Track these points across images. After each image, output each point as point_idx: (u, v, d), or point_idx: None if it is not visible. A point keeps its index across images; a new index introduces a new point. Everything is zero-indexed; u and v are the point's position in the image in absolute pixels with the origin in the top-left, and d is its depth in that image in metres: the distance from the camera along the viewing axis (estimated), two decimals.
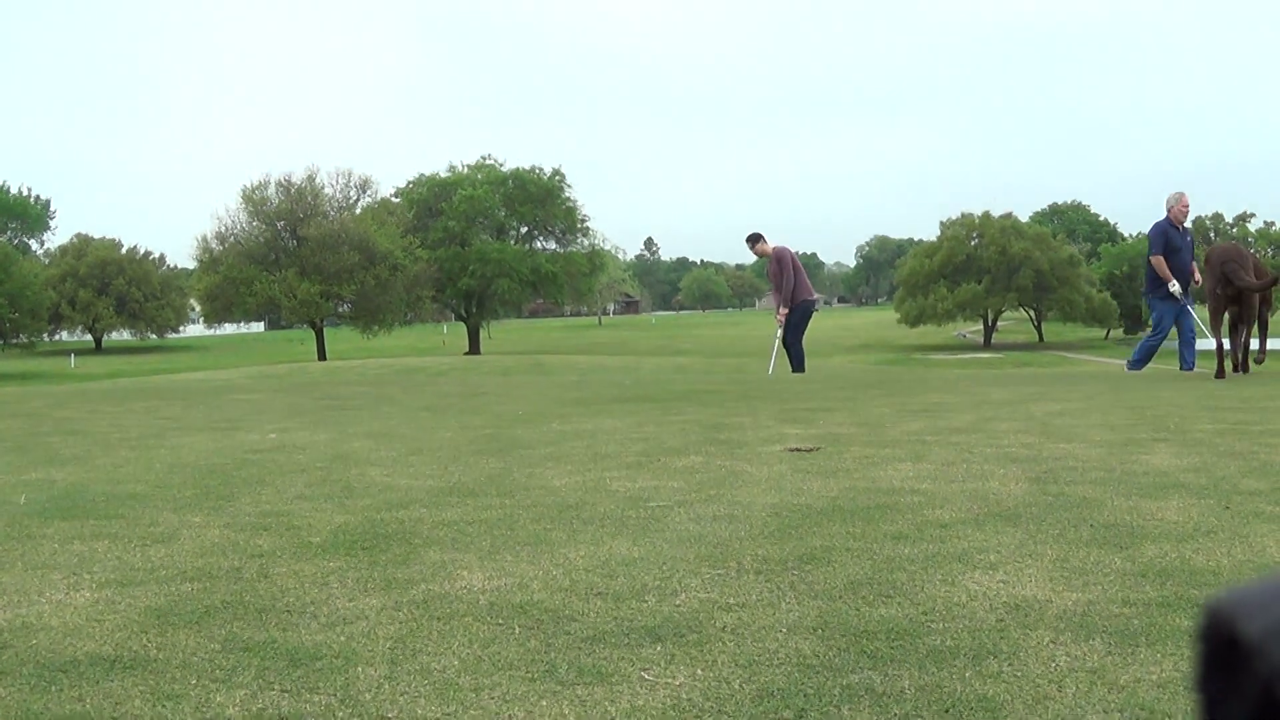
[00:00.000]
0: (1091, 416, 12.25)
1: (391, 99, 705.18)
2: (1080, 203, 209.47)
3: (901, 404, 14.15)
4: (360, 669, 4.78)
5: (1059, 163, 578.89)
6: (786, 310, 23.88)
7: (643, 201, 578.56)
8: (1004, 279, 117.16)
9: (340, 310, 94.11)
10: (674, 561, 6.34)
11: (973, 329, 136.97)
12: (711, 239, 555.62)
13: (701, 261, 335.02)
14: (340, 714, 4.36)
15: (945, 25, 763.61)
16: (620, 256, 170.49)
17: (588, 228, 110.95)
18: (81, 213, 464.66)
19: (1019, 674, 4.54)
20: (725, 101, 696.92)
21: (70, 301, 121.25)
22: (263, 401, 18.01)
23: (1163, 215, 22.77)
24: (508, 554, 6.65)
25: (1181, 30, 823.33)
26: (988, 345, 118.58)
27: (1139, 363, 23.08)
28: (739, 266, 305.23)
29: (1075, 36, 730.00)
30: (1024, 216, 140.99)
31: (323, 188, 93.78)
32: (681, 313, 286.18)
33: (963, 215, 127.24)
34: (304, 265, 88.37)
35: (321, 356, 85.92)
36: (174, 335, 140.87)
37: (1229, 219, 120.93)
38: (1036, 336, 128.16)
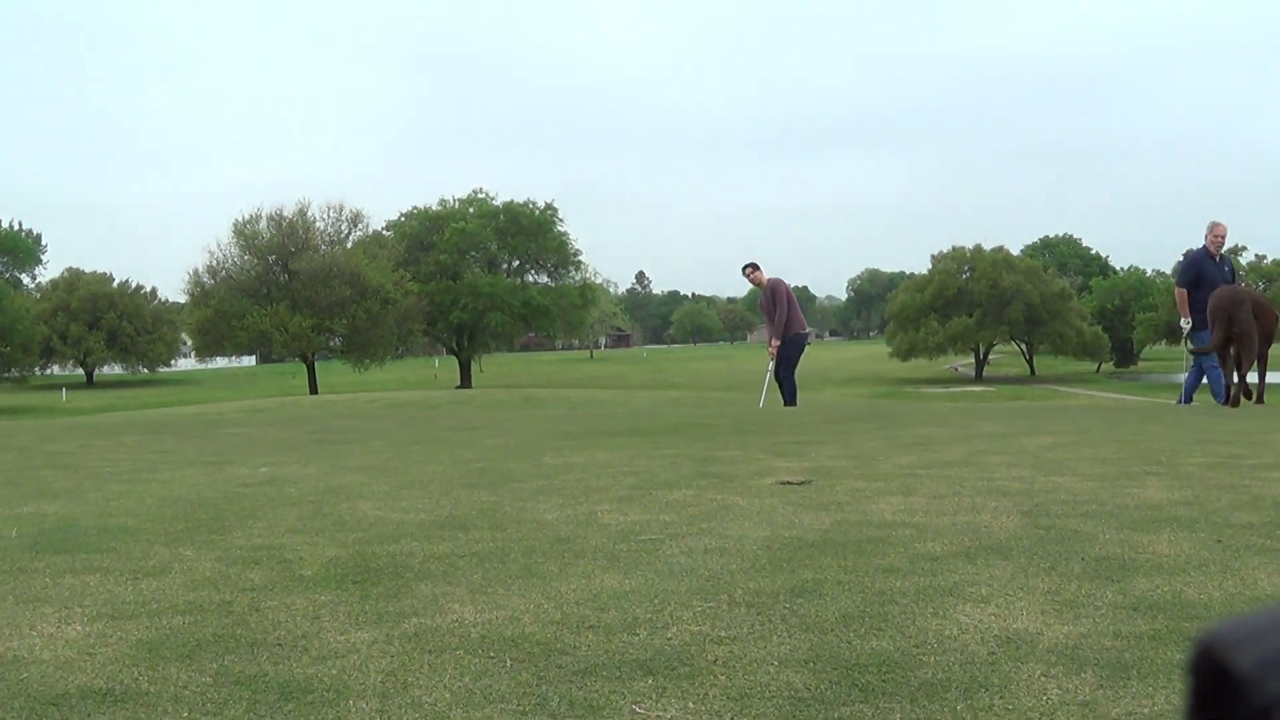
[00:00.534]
0: (1083, 450, 12.25)
1: (383, 134, 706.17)
2: (1072, 236, 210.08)
3: (893, 437, 14.15)
4: (352, 702, 4.77)
5: (1050, 196, 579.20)
6: (778, 342, 23.87)
7: (634, 235, 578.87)
8: (995, 312, 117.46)
9: (332, 344, 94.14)
10: (665, 594, 6.33)
11: (964, 362, 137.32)
12: (703, 272, 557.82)
13: (693, 295, 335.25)
14: None
15: (936, 60, 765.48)
16: (612, 290, 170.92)
17: (580, 261, 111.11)
18: (73, 247, 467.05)
19: (1010, 707, 4.54)
20: (716, 135, 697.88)
21: (61, 336, 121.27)
22: (254, 435, 17.99)
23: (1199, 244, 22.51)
24: (499, 587, 6.65)
25: (1173, 63, 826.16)
26: (979, 378, 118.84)
27: (1218, 394, 22.37)
28: (730, 300, 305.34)
29: (1066, 69, 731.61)
30: (1015, 250, 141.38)
31: (314, 221, 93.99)
32: (673, 346, 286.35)
33: (954, 248, 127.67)
34: (295, 299, 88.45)
35: (313, 390, 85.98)
36: (165, 369, 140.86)
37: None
38: (1028, 370, 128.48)
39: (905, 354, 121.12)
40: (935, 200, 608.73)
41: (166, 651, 5.50)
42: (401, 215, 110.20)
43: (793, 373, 24.02)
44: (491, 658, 5.29)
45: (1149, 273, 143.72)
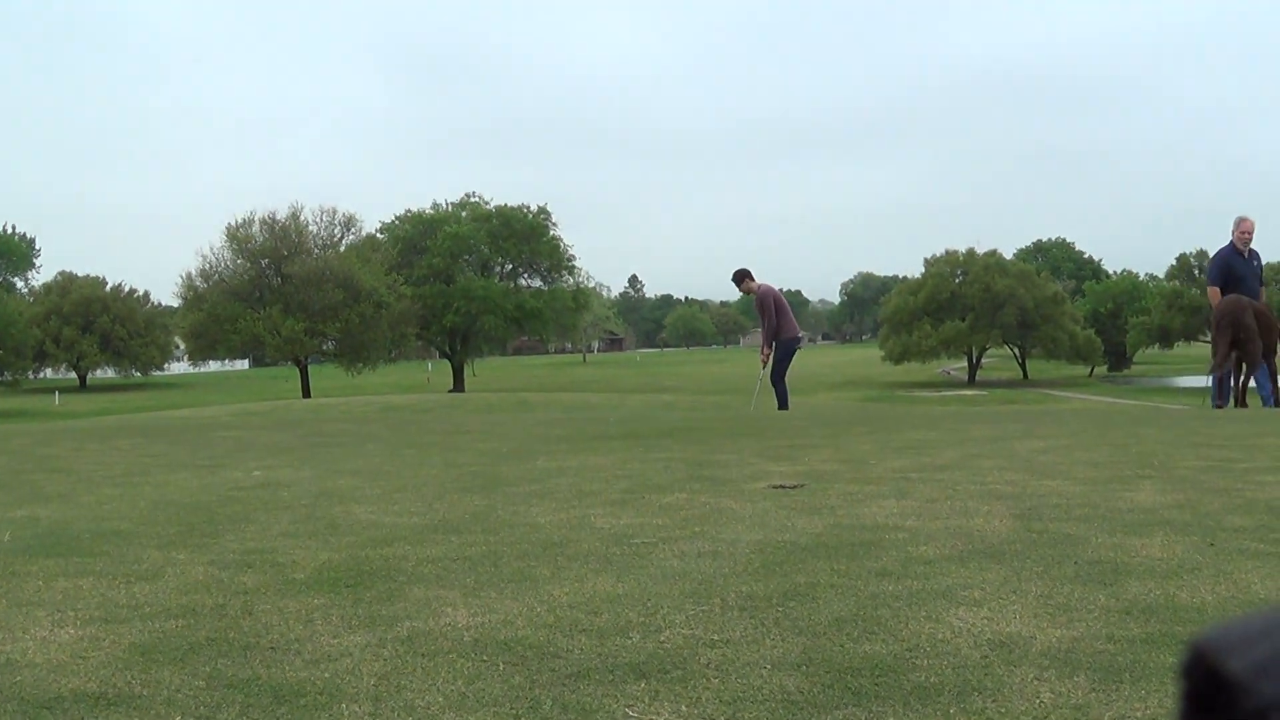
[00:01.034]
0: (1076, 453, 12.25)
1: (376, 139, 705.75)
2: (1065, 239, 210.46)
3: (885, 441, 14.14)
4: (345, 706, 4.77)
5: (1043, 200, 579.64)
6: (769, 350, 23.88)
7: (627, 239, 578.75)
8: (988, 316, 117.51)
9: (325, 348, 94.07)
10: (658, 598, 6.33)
11: (957, 366, 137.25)
12: (696, 276, 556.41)
13: (686, 299, 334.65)
14: None
15: (929, 65, 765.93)
16: (605, 294, 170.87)
17: (573, 265, 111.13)
18: (66, 250, 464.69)
19: (1003, 711, 4.54)
20: (709, 140, 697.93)
21: (54, 339, 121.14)
22: (247, 439, 17.97)
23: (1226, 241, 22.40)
24: (492, 590, 6.64)
25: (1166, 69, 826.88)
26: (972, 382, 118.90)
27: (1267, 399, 22.28)
28: (724, 303, 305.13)
29: (1059, 74, 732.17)
30: (1008, 253, 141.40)
31: (307, 225, 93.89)
32: (666, 350, 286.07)
33: (947, 252, 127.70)
34: (288, 303, 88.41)
35: (306, 394, 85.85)
36: (158, 373, 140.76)
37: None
38: (1021, 373, 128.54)
39: (898, 358, 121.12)
40: (928, 204, 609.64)
41: (159, 655, 5.50)
42: (395, 219, 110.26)
43: (784, 377, 24.01)
44: (484, 661, 5.29)
45: (1142, 276, 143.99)
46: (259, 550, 8.03)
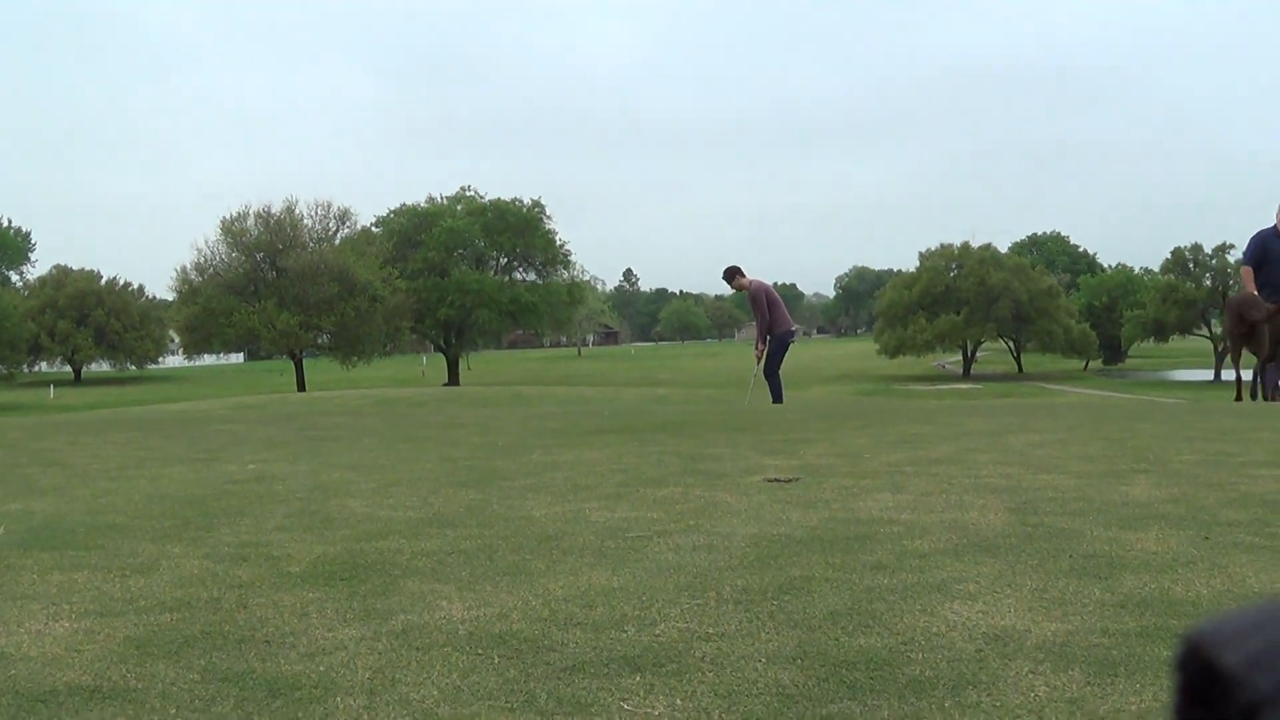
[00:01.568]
0: (1071, 447, 12.25)
1: (369, 133, 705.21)
2: (1059, 233, 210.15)
3: (880, 435, 14.14)
4: (339, 699, 4.77)
5: (1038, 193, 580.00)
6: (763, 345, 23.86)
7: (622, 233, 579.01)
8: (983, 310, 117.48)
9: (319, 341, 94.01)
10: (653, 591, 6.33)
11: (952, 360, 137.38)
12: (691, 270, 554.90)
13: (680, 292, 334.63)
14: None
15: (923, 59, 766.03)
16: (599, 287, 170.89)
17: (568, 259, 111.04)
18: (61, 244, 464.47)
19: (998, 704, 4.54)
20: (704, 133, 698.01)
21: (49, 333, 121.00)
22: (242, 432, 17.96)
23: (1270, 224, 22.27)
24: (487, 584, 6.64)
25: (1160, 63, 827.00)
26: (967, 376, 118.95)
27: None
28: (718, 297, 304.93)
29: (1054, 69, 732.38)
30: (1003, 247, 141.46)
31: (302, 219, 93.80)
32: (660, 344, 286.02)
33: (942, 246, 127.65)
34: (283, 296, 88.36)
35: (301, 387, 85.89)
36: (153, 366, 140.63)
37: (1208, 250, 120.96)
38: (1016, 367, 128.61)
39: (893, 351, 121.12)
40: (923, 198, 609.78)
41: (154, 648, 5.50)
42: (389, 212, 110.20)
43: (778, 370, 23.99)
44: (479, 655, 5.29)
45: (1137, 270, 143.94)
46: (254, 544, 8.03)
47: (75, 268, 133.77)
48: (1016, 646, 5.21)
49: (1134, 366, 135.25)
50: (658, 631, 5.58)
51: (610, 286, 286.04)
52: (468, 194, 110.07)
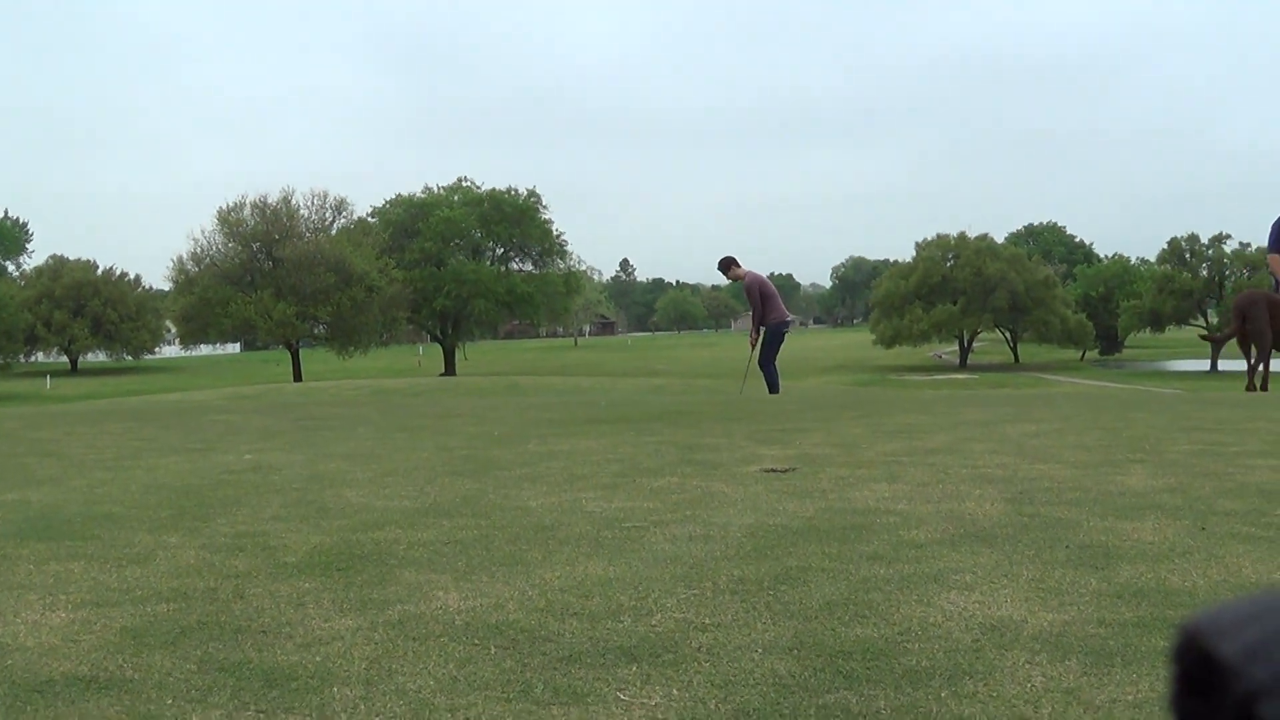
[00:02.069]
0: (1067, 437, 12.26)
1: (365, 125, 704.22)
2: (1056, 223, 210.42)
3: (877, 425, 14.14)
4: (336, 689, 4.77)
5: (1035, 183, 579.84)
6: (757, 335, 23.89)
7: (618, 223, 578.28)
8: (979, 300, 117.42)
9: (316, 331, 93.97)
10: (650, 582, 6.33)
11: (948, 350, 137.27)
12: (687, 260, 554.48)
13: (677, 283, 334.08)
14: None
15: (920, 51, 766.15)
16: (596, 278, 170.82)
17: (564, 249, 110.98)
18: (58, 235, 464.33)
19: (995, 694, 4.54)
20: (701, 123, 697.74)
21: (46, 323, 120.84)
22: (238, 422, 17.95)
23: None
24: (483, 574, 6.64)
25: (1156, 54, 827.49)
26: (963, 366, 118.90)
27: None
28: (715, 287, 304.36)
29: (1050, 60, 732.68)
30: (999, 237, 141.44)
31: (298, 209, 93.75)
32: (657, 334, 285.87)
33: (938, 236, 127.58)
34: (280, 286, 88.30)
35: (297, 377, 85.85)
36: (149, 356, 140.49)
37: (1205, 240, 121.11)
38: (1012, 357, 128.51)
39: (889, 341, 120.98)
40: (919, 188, 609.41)
41: (151, 639, 5.50)
42: (386, 202, 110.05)
43: (773, 360, 23.99)
44: (475, 645, 5.29)
45: (1133, 260, 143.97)
46: (250, 534, 8.03)
47: (72, 258, 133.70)
48: (1013, 637, 5.21)
49: (1130, 357, 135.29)
50: (654, 622, 5.58)
51: (607, 277, 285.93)
52: (464, 184, 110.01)
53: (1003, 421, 14.18)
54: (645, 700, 4.59)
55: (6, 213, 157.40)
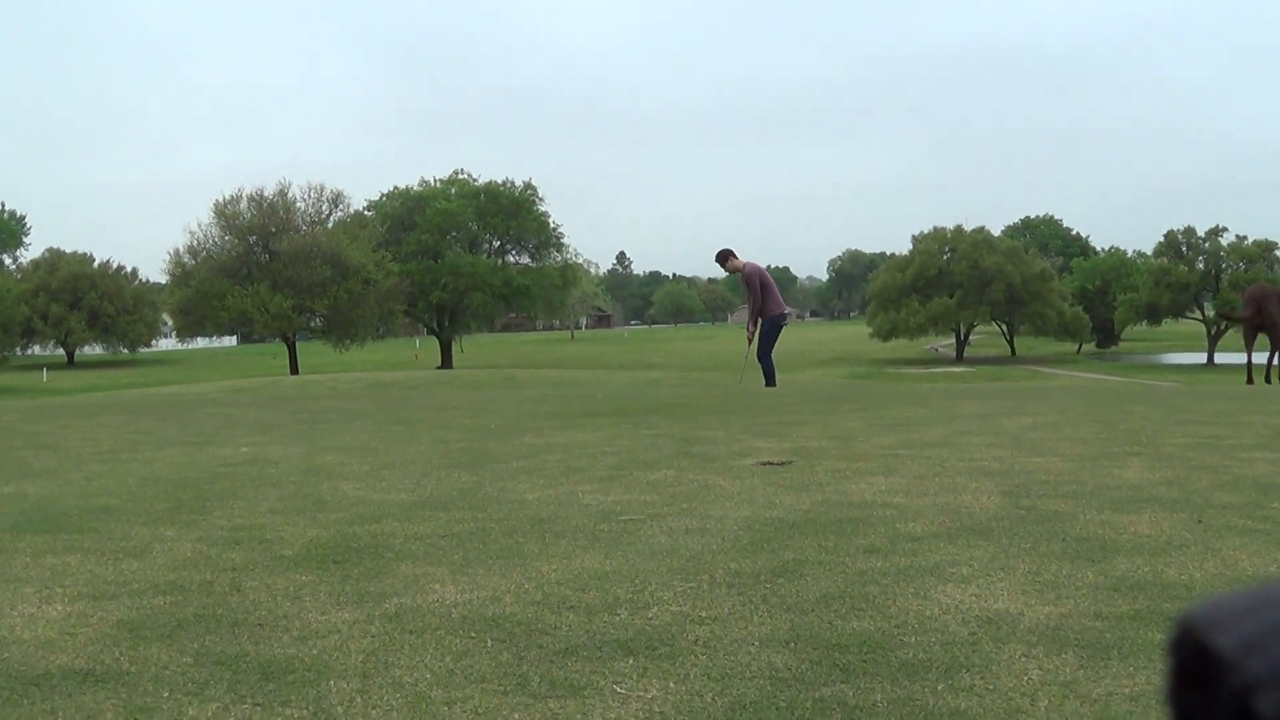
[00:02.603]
0: (1064, 430, 12.27)
1: (361, 119, 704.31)
2: (1053, 216, 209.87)
3: (873, 418, 14.14)
4: (332, 682, 4.77)
5: (1031, 177, 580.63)
6: (754, 328, 23.84)
7: (615, 216, 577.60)
8: (976, 293, 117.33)
9: (312, 324, 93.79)
10: (646, 575, 6.33)
11: (945, 343, 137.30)
12: (684, 253, 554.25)
13: (674, 275, 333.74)
14: None
15: (916, 42, 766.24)
16: (592, 270, 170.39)
17: (561, 242, 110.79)
18: (54, 228, 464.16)
19: (991, 687, 4.54)
20: (698, 117, 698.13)
21: (42, 316, 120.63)
22: (235, 415, 17.96)
23: None
24: (480, 567, 6.64)
25: (1152, 48, 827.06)
26: (960, 359, 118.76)
27: None
28: (711, 280, 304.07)
29: (1047, 53, 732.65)
30: (996, 230, 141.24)
31: (294, 202, 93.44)
32: (654, 327, 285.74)
33: (935, 229, 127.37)
34: (276, 279, 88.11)
35: (294, 370, 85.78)
36: (146, 349, 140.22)
37: (1201, 233, 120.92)
38: (1009, 350, 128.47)
39: (886, 334, 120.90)
40: (916, 181, 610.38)
41: (147, 632, 5.50)
42: (383, 195, 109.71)
43: (770, 353, 23.97)
44: (472, 638, 5.29)
45: (1130, 253, 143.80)
46: (247, 527, 8.03)
47: (68, 251, 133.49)
48: (1010, 630, 5.21)
49: (1127, 350, 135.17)
50: (650, 615, 5.58)
51: (603, 269, 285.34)
52: (461, 177, 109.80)
53: (999, 414, 14.19)
54: (642, 693, 4.59)
55: (3, 205, 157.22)
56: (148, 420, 17.30)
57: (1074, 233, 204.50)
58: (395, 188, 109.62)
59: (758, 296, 23.64)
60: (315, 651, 5.16)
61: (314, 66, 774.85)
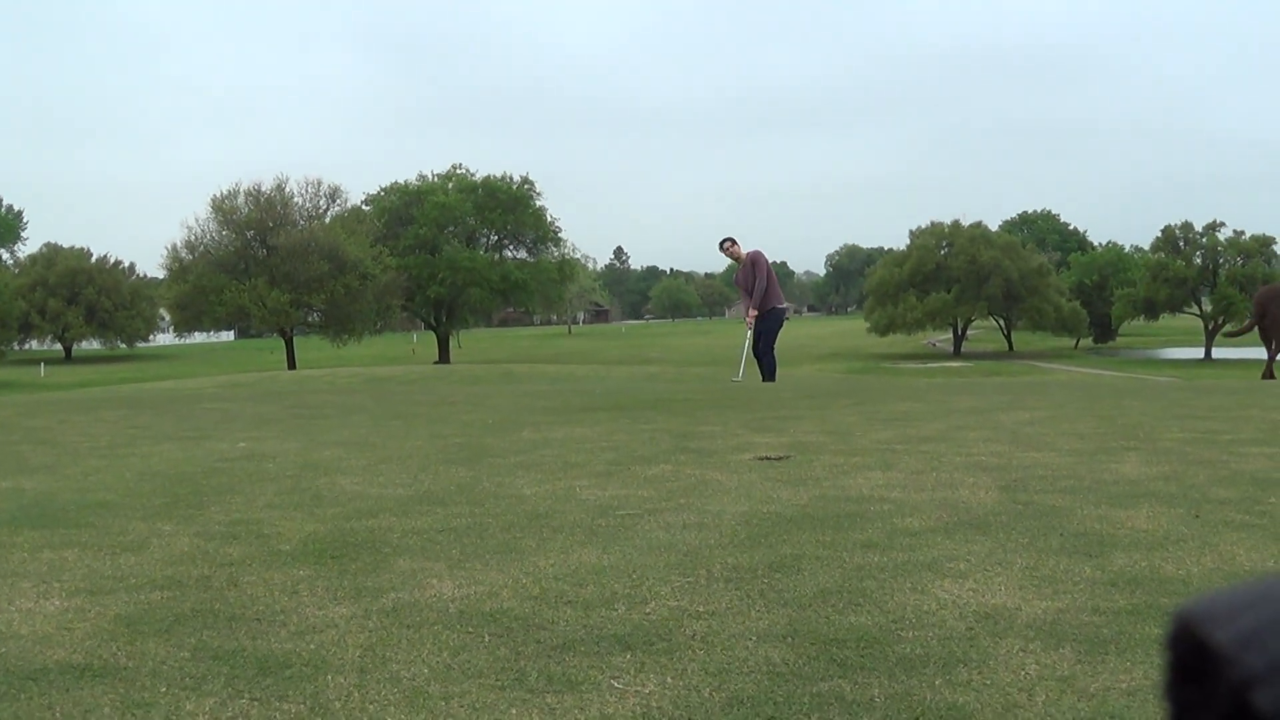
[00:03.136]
0: (1061, 425, 12.27)
1: (358, 114, 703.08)
2: (1050, 211, 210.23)
3: (871, 413, 14.15)
4: (330, 677, 4.77)
5: (1029, 172, 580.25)
6: (755, 313, 23.76)
7: (613, 211, 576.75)
8: (973, 288, 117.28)
9: (310, 319, 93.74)
10: (644, 570, 6.34)
11: (942, 338, 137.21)
12: (681, 248, 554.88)
13: (671, 270, 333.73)
14: None
15: (913, 37, 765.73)
16: (590, 265, 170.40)
17: (559, 237, 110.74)
18: (52, 222, 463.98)
19: (989, 682, 4.55)
20: (695, 112, 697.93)
21: (40, 311, 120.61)
22: (232, 410, 17.95)
23: None
24: (477, 562, 6.65)
25: (1151, 44, 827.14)
26: (957, 354, 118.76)
27: None
28: (708, 275, 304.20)
29: (1045, 49, 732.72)
30: (993, 225, 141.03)
31: (292, 196, 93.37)
32: (651, 322, 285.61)
33: (932, 224, 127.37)
34: (274, 274, 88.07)
35: (291, 365, 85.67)
36: (144, 344, 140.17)
37: (1199, 228, 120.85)
38: (1006, 345, 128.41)
39: (883, 329, 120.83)
40: (914, 176, 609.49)
41: (145, 626, 5.50)
42: (380, 190, 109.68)
43: (772, 348, 23.92)
44: (470, 633, 5.29)
45: (1127, 248, 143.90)
46: (244, 522, 8.03)
47: (66, 245, 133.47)
48: (1007, 625, 5.22)
49: (1124, 345, 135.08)
50: (648, 610, 5.58)
51: (601, 264, 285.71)
52: (458, 172, 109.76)
53: (996, 409, 14.19)
54: (639, 688, 4.59)
55: (0, 200, 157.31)
56: (145, 415, 17.29)
57: (1071, 228, 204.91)
58: (393, 182, 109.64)
59: (763, 281, 23.58)
60: (313, 646, 5.16)
61: (312, 63, 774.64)
